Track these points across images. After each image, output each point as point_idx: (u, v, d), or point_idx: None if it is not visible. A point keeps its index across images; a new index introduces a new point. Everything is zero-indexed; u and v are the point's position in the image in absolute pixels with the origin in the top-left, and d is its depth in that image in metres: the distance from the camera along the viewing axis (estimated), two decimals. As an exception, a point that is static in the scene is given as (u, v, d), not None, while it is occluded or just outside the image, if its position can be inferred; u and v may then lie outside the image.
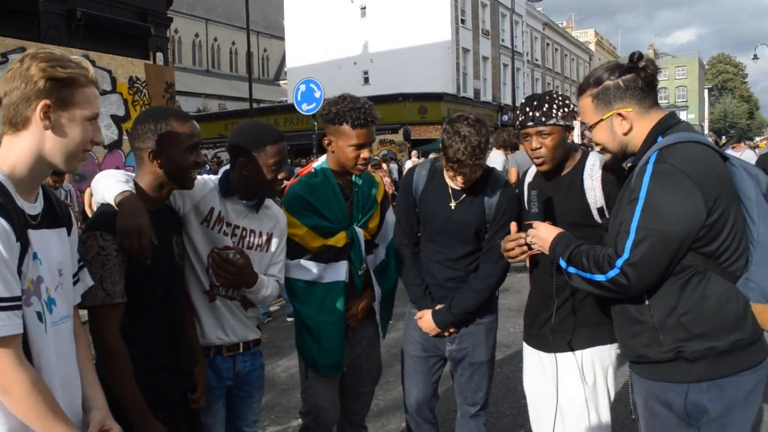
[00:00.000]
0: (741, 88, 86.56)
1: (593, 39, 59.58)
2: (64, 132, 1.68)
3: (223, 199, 2.61)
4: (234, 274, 2.51)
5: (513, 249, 2.55)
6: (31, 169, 1.67)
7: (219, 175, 2.70)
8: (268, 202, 2.75)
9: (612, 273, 2.03)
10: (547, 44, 46.39)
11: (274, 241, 2.76)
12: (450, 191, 3.03)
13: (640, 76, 2.17)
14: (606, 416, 2.75)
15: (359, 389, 3.20)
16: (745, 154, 10.09)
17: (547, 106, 2.62)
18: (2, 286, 1.50)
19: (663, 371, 2.09)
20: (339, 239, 2.93)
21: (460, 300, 3.01)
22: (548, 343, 2.75)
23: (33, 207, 1.69)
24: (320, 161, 3.04)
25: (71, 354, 1.80)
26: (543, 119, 2.62)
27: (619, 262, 2.01)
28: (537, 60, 44.18)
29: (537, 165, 2.73)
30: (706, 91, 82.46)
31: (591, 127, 2.26)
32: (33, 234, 1.64)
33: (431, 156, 14.85)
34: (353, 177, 3.03)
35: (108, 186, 2.20)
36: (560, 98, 2.67)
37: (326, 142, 2.94)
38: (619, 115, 2.18)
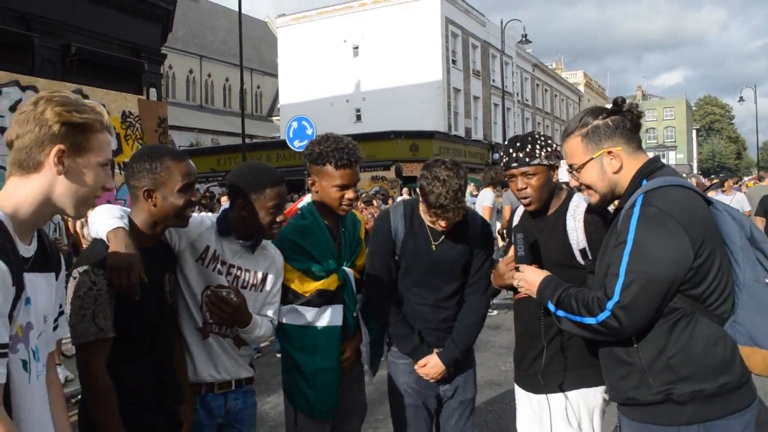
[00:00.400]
0: (728, 129, 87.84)
1: (582, 80, 60.56)
2: (77, 178, 1.66)
3: (220, 238, 2.61)
4: (228, 313, 2.50)
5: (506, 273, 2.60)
6: (35, 212, 1.64)
7: (218, 214, 2.71)
8: (266, 242, 2.73)
9: (603, 316, 2.03)
10: (537, 85, 47.05)
11: (269, 281, 2.74)
12: (429, 232, 3.01)
13: (627, 118, 2.21)
14: None
15: (346, 428, 3.14)
16: (736, 198, 10.18)
17: (530, 146, 2.65)
18: None
19: (652, 413, 2.08)
20: (331, 282, 2.88)
21: (460, 336, 3.00)
22: (537, 384, 2.74)
23: (28, 249, 1.64)
24: (305, 201, 3.00)
25: (46, 404, 1.72)
26: (527, 160, 2.64)
27: (610, 305, 2.01)
28: (527, 100, 44.74)
29: (524, 205, 2.76)
30: (694, 132, 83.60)
31: (579, 168, 2.27)
32: (28, 277, 1.59)
33: (401, 198, 14.89)
34: (339, 216, 2.99)
35: (102, 221, 2.20)
36: (542, 138, 2.71)
37: (310, 182, 2.91)
38: (609, 153, 2.20)
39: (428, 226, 3.00)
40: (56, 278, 1.80)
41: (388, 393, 3.20)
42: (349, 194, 2.85)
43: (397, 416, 3.14)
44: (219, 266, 2.60)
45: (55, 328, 1.82)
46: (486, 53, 37.69)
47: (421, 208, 2.95)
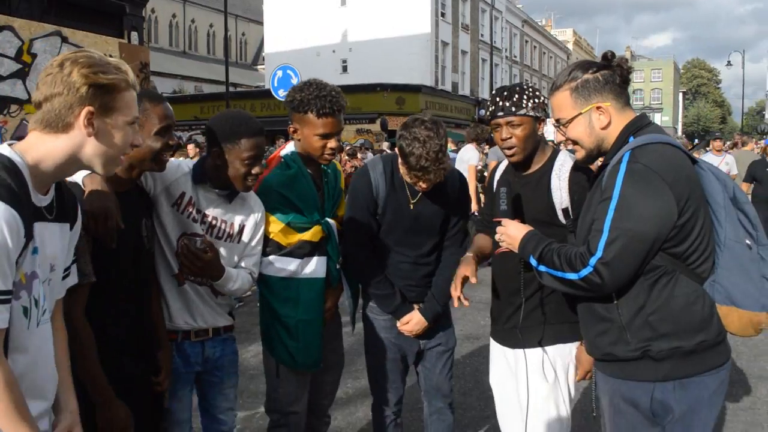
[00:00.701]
0: (714, 93, 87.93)
1: (572, 38, 60.04)
2: (106, 138, 1.68)
3: (196, 185, 2.57)
4: (200, 267, 2.49)
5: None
6: (57, 167, 1.66)
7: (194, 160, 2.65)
8: (246, 193, 2.67)
9: (585, 271, 2.02)
10: (526, 41, 46.59)
11: (247, 232, 2.70)
12: (408, 190, 2.96)
13: (617, 73, 2.18)
14: (566, 413, 2.76)
15: (325, 379, 3.15)
16: (726, 159, 10.29)
17: (517, 96, 2.61)
18: None
19: (629, 370, 2.10)
20: (315, 233, 2.84)
21: (439, 291, 3.00)
22: (514, 339, 2.76)
23: (43, 199, 1.66)
24: (288, 148, 2.91)
25: (50, 351, 1.76)
26: (513, 109, 2.60)
27: (593, 261, 2.00)
28: (515, 56, 44.36)
29: (508, 156, 2.71)
30: (680, 95, 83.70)
31: (567, 123, 2.24)
32: (38, 227, 1.62)
33: (385, 152, 14.79)
34: (322, 165, 2.93)
35: None
36: (530, 89, 2.66)
37: (291, 129, 2.82)
38: (598, 108, 2.17)
39: (407, 183, 2.94)
40: (71, 228, 1.82)
41: (365, 347, 3.21)
42: (332, 143, 2.77)
43: (375, 371, 3.16)
44: (194, 213, 2.57)
45: (65, 277, 1.85)
46: (476, 7, 37.16)
47: (401, 167, 2.88)
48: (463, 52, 36.09)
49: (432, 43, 32.08)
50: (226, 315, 2.74)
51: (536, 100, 2.62)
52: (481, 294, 7.53)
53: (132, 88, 1.72)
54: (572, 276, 2.06)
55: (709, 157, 9.72)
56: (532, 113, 2.61)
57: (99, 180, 2.13)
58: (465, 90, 36.01)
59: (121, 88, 1.69)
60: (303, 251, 2.83)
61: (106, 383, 2.09)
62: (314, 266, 2.85)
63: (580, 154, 2.29)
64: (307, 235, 2.83)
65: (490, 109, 2.68)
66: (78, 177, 2.13)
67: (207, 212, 2.59)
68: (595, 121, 2.19)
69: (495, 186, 2.86)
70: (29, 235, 1.57)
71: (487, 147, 11.80)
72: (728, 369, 2.15)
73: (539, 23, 51.71)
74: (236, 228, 2.67)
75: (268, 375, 2.99)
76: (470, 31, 36.49)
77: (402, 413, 3.26)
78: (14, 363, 1.58)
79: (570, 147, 2.42)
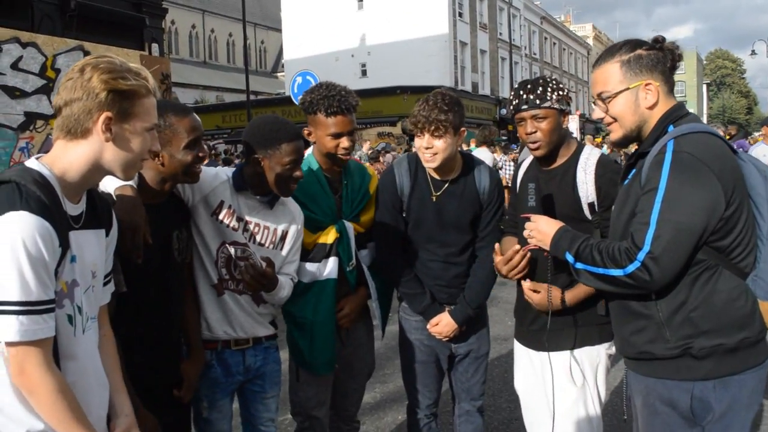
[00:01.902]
0: (739, 84, 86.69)
1: (591, 33, 59.48)
2: (124, 143, 1.69)
3: (236, 193, 2.56)
4: (263, 284, 2.49)
5: (516, 264, 2.53)
6: (83, 176, 1.68)
7: (234, 168, 2.65)
8: (285, 198, 2.67)
9: (632, 267, 1.93)
10: (545, 38, 46.27)
11: (289, 239, 2.69)
12: (431, 183, 2.94)
13: (668, 56, 2.09)
14: (596, 415, 2.70)
15: (351, 386, 3.13)
16: (758, 149, 8.98)
17: (541, 89, 2.57)
18: (40, 289, 1.50)
19: (668, 368, 2.03)
20: (329, 235, 2.83)
21: (472, 293, 2.95)
22: (539, 342, 2.69)
23: (76, 208, 1.69)
24: (307, 153, 2.88)
25: (96, 357, 1.79)
26: (537, 102, 2.56)
27: (641, 255, 1.91)
28: (535, 54, 44.08)
29: (532, 150, 2.65)
30: (704, 87, 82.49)
31: (611, 97, 2.11)
32: (73, 236, 1.65)
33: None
34: (342, 169, 2.92)
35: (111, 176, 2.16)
36: (554, 82, 2.62)
37: (306, 132, 2.83)
38: (647, 86, 2.08)
39: (430, 176, 2.93)
40: (107, 234, 1.84)
41: (399, 348, 3.18)
42: (344, 143, 2.77)
43: (408, 372, 3.13)
44: (234, 222, 2.55)
45: (106, 283, 1.88)
46: (493, 6, 36.99)
47: (417, 146, 2.87)
48: (482, 52, 35.93)
49: (450, 44, 31.99)
50: (268, 324, 2.72)
51: (560, 93, 2.58)
52: (507, 295, 7.51)
53: (152, 94, 1.73)
54: (617, 272, 1.97)
55: (762, 148, 8.47)
56: (557, 105, 2.57)
57: (130, 192, 2.13)
58: (485, 90, 35.84)
59: (140, 94, 1.70)
60: (321, 254, 2.82)
61: (133, 393, 2.08)
62: (327, 267, 2.83)
63: (617, 134, 2.17)
64: (321, 237, 2.82)
65: (514, 102, 2.63)
66: (110, 188, 2.13)
67: (249, 219, 2.58)
68: (642, 99, 2.09)
69: (520, 183, 2.82)
70: (65, 245, 1.60)
71: (497, 149, 11.77)
72: (767, 367, 2.07)
73: (558, 19, 51.32)
74: (279, 234, 2.66)
75: (290, 378, 2.99)
76: (488, 30, 36.33)
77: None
78: (66, 371, 1.63)
79: (595, 144, 2.35)
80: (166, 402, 2.36)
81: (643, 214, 1.95)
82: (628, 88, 2.09)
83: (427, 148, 2.77)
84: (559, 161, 2.68)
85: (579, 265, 2.09)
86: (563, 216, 2.47)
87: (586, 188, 2.59)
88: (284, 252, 2.69)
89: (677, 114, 2.09)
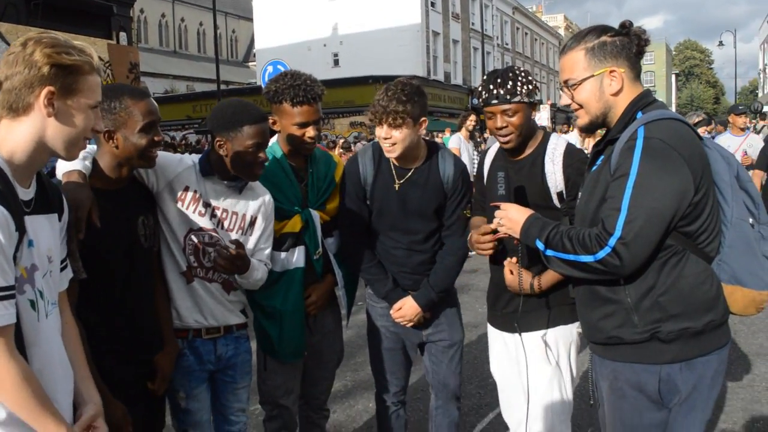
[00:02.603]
0: (707, 74, 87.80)
1: (563, 24, 59.86)
2: (67, 120, 1.66)
3: (203, 178, 2.54)
4: (238, 266, 2.47)
5: (485, 243, 2.53)
6: (30, 156, 1.64)
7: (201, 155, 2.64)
8: (254, 183, 2.65)
9: (602, 253, 1.93)
10: (517, 28, 46.47)
11: (258, 224, 2.67)
12: (394, 172, 2.94)
13: (634, 42, 2.09)
14: (568, 396, 2.75)
15: (320, 374, 3.13)
16: (750, 139, 8.17)
17: (511, 83, 2.56)
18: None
19: (635, 353, 2.05)
20: (294, 224, 2.83)
21: (436, 278, 2.95)
22: (511, 325, 2.73)
23: (27, 192, 1.65)
24: (271, 142, 2.86)
25: (60, 343, 1.77)
26: (508, 97, 2.55)
27: (612, 241, 1.91)
28: (507, 44, 44.25)
29: (502, 143, 2.67)
30: (673, 77, 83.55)
31: (576, 85, 2.13)
32: (28, 220, 1.62)
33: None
34: (308, 158, 2.92)
35: (62, 163, 2.15)
36: (523, 74, 2.62)
37: (272, 121, 2.78)
38: (611, 73, 2.08)
39: (393, 164, 2.94)
40: (59, 219, 1.82)
41: (367, 335, 3.20)
42: (310, 132, 2.76)
43: (375, 360, 3.14)
44: (200, 208, 2.53)
45: (63, 269, 1.85)
46: (465, -4, 37.01)
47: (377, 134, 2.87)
48: (455, 42, 35.98)
49: (423, 34, 31.97)
50: (239, 313, 2.70)
51: (530, 86, 2.58)
52: (478, 282, 7.58)
53: (96, 72, 1.71)
54: (587, 258, 1.97)
55: (726, 138, 7.99)
56: (526, 99, 2.58)
57: (76, 175, 2.13)
58: (457, 79, 35.92)
59: (84, 70, 1.67)
60: (288, 244, 2.83)
61: (100, 381, 2.06)
62: (294, 256, 2.84)
63: (583, 120, 2.19)
64: (288, 226, 2.82)
65: (484, 95, 2.62)
66: (59, 174, 2.13)
67: (216, 205, 2.56)
68: (606, 87, 2.10)
69: (488, 171, 2.82)
70: (22, 230, 1.57)
71: (479, 135, 11.78)
72: (728, 347, 2.13)
73: (529, 10, 51.55)
74: (248, 220, 2.64)
75: (258, 367, 2.97)
76: (461, 20, 36.37)
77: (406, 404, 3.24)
78: (31, 358, 1.61)
79: (564, 132, 2.38)
80: (138, 394, 2.34)
81: (614, 200, 1.95)
82: (592, 75, 2.10)
83: (385, 139, 2.78)
84: (527, 151, 2.71)
85: (549, 252, 2.09)
86: (533, 205, 2.48)
87: (555, 178, 2.62)
88: (253, 238, 2.67)
89: (645, 101, 2.10)
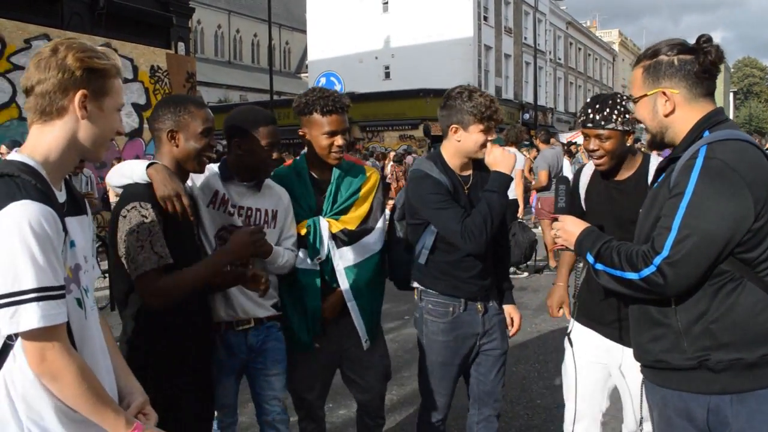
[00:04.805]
0: (767, 92, 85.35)
1: (617, 39, 59.05)
2: (98, 121, 1.71)
3: (225, 183, 2.75)
4: (259, 245, 2.53)
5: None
6: (62, 158, 1.69)
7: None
8: (269, 181, 2.86)
9: (647, 271, 1.89)
10: (570, 43, 46.02)
11: (280, 216, 2.86)
12: (460, 178, 2.97)
13: (698, 60, 2.02)
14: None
15: (365, 383, 3.17)
16: None
17: (608, 110, 2.68)
18: (51, 275, 1.51)
19: (684, 380, 1.97)
20: (300, 228, 2.97)
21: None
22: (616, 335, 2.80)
23: (60, 195, 1.70)
24: (302, 153, 3.08)
25: (102, 340, 1.82)
26: (602, 123, 2.68)
27: (657, 260, 1.87)
28: (560, 59, 43.85)
29: (596, 164, 2.80)
30: (731, 95, 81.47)
31: (635, 101, 2.14)
32: (67, 221, 1.66)
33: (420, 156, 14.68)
34: (333, 170, 2.98)
35: (137, 165, 2.36)
36: (621, 104, 2.71)
37: (302, 133, 2.95)
38: (664, 94, 2.05)
39: (456, 173, 2.96)
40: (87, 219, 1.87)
41: (420, 349, 3.14)
42: (339, 141, 2.88)
43: (427, 375, 3.10)
44: (230, 208, 2.74)
45: (92, 267, 1.90)
46: (518, 10, 36.88)
47: (455, 146, 2.91)
48: (507, 56, 35.82)
49: (475, 48, 31.94)
50: (268, 306, 2.83)
51: (626, 116, 2.69)
52: (527, 300, 7.47)
53: (119, 76, 1.77)
54: (632, 275, 1.93)
55: None
56: (620, 128, 2.68)
57: (161, 167, 2.35)
58: (509, 94, 35.72)
59: (112, 74, 1.73)
60: (300, 244, 2.96)
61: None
62: (299, 258, 2.94)
63: (647, 136, 2.21)
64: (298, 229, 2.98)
65: (581, 118, 2.78)
66: (141, 171, 2.31)
67: (242, 204, 2.77)
68: (660, 107, 2.06)
69: (584, 190, 2.95)
70: (65, 230, 1.61)
71: (525, 151, 11.66)
72: None
73: (584, 25, 51.01)
74: (270, 214, 2.84)
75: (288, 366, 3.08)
76: (513, 34, 36.22)
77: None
78: (82, 354, 1.64)
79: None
80: (194, 382, 2.51)
81: (666, 219, 1.90)
82: (646, 95, 2.09)
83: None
84: (626, 173, 2.81)
85: (599, 266, 2.05)
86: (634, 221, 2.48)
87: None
88: (277, 229, 2.85)
89: (715, 119, 2.02)
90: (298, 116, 2.95)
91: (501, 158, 2.80)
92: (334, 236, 2.99)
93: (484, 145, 2.85)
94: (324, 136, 2.87)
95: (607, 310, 2.77)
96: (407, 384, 4.98)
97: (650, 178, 2.63)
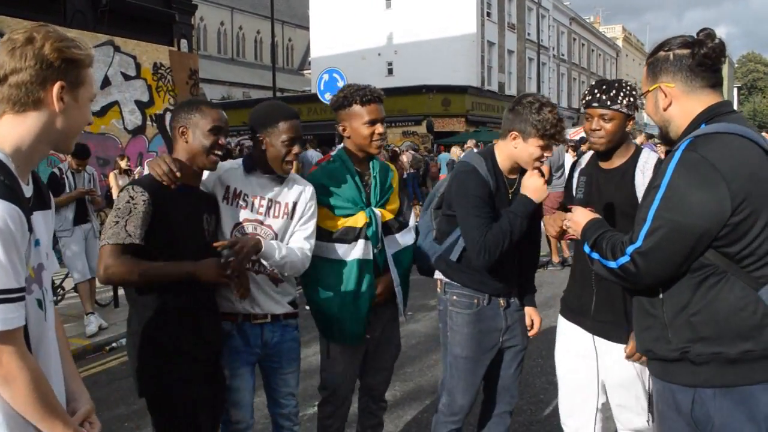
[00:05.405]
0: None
1: (621, 35, 58.84)
2: (72, 113, 1.65)
3: (248, 175, 2.83)
4: (247, 251, 2.56)
5: (554, 227, 2.69)
6: (34, 150, 1.61)
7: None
8: (293, 174, 2.93)
9: (622, 260, 1.96)
10: (574, 39, 45.90)
11: (299, 208, 2.90)
12: (506, 181, 3.00)
13: (693, 53, 2.03)
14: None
15: (379, 365, 3.29)
16: None
17: (614, 91, 2.71)
18: (13, 277, 1.45)
19: (670, 370, 2.00)
20: (358, 219, 3.02)
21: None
22: (585, 322, 2.83)
23: (27, 189, 1.61)
24: (338, 148, 3.17)
25: (56, 340, 1.75)
26: (608, 103, 2.71)
27: (630, 250, 1.93)
28: (563, 55, 43.74)
29: (592, 143, 2.80)
30: (735, 90, 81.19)
31: (643, 95, 2.22)
32: (33, 218, 1.58)
33: (465, 148, 14.52)
34: (371, 163, 3.12)
35: None
36: (628, 87, 2.74)
37: (341, 128, 3.05)
38: (661, 89, 2.09)
39: (504, 175, 2.98)
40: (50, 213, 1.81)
41: (446, 343, 3.13)
42: (379, 129, 3.01)
43: (452, 369, 3.10)
44: (241, 201, 2.82)
45: (52, 263, 1.84)
46: (522, 6, 36.78)
47: (510, 152, 2.89)
48: (510, 52, 35.75)
49: (478, 44, 31.87)
50: (286, 304, 2.91)
51: (631, 99, 2.72)
52: (537, 298, 7.45)
53: (92, 65, 1.70)
54: (611, 264, 2.00)
55: None
56: (624, 110, 2.71)
57: (164, 156, 2.54)
58: (512, 90, 35.65)
59: (86, 64, 1.66)
60: (350, 237, 3.01)
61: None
62: (356, 249, 3.01)
63: (658, 131, 2.26)
64: (350, 221, 3.02)
65: (587, 98, 2.79)
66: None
67: (262, 196, 2.84)
68: (660, 101, 2.11)
69: (576, 175, 2.95)
70: (30, 228, 1.54)
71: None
72: None
73: (587, 20, 50.85)
74: (291, 206, 2.89)
75: (321, 356, 3.19)
76: (516, 30, 36.13)
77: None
78: (38, 357, 1.58)
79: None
80: (208, 373, 2.63)
81: (643, 210, 1.96)
82: (648, 91, 2.15)
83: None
84: (618, 161, 2.82)
85: (593, 255, 2.12)
86: (624, 214, 2.65)
87: (644, 190, 2.62)
88: (293, 221, 2.90)
89: (716, 111, 2.02)
90: (336, 112, 3.06)
91: (535, 186, 2.78)
92: (385, 225, 3.11)
93: (537, 160, 2.83)
94: (365, 126, 2.98)
95: (587, 304, 2.81)
96: (410, 380, 4.99)
97: (638, 171, 2.71)
